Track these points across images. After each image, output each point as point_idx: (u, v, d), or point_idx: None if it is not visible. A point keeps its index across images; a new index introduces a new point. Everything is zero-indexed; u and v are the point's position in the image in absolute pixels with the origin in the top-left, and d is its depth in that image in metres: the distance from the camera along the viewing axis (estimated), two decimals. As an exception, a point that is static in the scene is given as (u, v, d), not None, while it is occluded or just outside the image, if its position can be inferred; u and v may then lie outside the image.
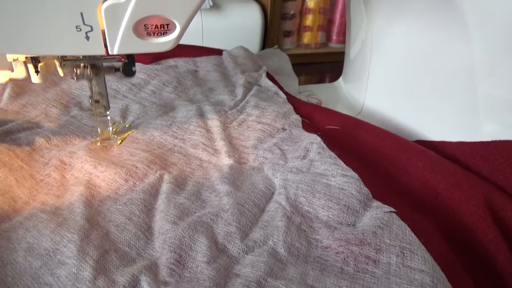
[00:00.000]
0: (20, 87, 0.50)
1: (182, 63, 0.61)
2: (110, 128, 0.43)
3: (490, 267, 0.33)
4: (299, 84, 0.68)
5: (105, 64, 0.39)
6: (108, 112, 0.42)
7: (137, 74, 0.57)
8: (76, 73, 0.38)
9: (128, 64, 0.39)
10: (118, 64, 0.39)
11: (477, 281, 0.31)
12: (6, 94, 0.48)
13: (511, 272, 0.32)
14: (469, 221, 0.35)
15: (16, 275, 0.27)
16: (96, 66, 0.39)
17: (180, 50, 0.62)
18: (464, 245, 0.34)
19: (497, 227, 0.34)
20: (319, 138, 0.41)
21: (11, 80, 0.37)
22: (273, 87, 0.55)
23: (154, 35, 0.32)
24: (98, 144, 0.42)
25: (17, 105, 0.47)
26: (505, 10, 0.38)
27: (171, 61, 0.61)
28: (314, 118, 0.49)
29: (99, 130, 0.43)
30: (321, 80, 0.77)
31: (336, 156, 0.38)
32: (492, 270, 0.33)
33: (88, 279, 0.27)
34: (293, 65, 0.69)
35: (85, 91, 0.52)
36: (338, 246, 0.30)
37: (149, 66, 0.58)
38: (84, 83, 0.53)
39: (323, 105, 0.62)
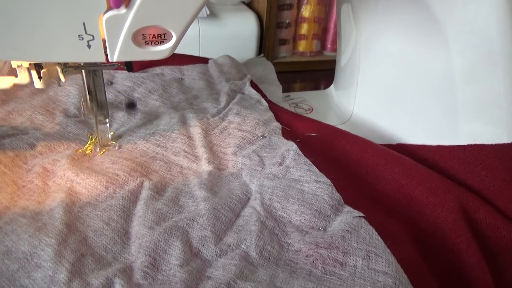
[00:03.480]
0: (6, 94, 0.51)
1: (168, 71, 0.62)
2: (109, 135, 0.45)
3: (461, 269, 0.34)
4: (294, 91, 0.70)
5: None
6: (107, 120, 0.44)
7: (123, 82, 0.58)
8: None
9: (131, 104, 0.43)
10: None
11: (448, 282, 0.33)
12: (-8, 101, 0.49)
13: (481, 273, 0.33)
14: (443, 224, 0.36)
15: (-7, 278, 0.28)
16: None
17: (167, 59, 0.63)
18: (437, 248, 0.35)
19: (470, 230, 0.35)
20: (295, 145, 0.42)
21: (15, 85, 0.38)
22: (256, 95, 0.56)
23: (151, 43, 0.34)
24: (98, 150, 0.44)
25: (2, 112, 0.48)
26: (481, 24, 0.40)
27: (158, 69, 0.62)
28: (294, 126, 0.50)
29: (98, 137, 0.44)
30: (315, 88, 0.79)
31: (310, 163, 0.40)
32: (463, 271, 0.34)
33: (63, 281, 0.28)
34: (288, 72, 0.71)
35: (71, 98, 0.53)
36: (308, 249, 0.31)
37: (136, 74, 0.59)
38: (71, 90, 0.55)
39: (314, 111, 0.64)
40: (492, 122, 0.43)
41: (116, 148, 0.45)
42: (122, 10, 0.31)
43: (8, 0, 0.29)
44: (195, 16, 0.34)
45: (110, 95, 0.56)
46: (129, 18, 0.32)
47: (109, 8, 0.31)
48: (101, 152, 0.44)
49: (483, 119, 0.44)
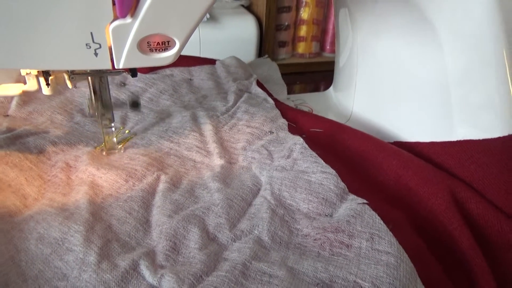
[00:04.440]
0: (27, 95, 0.54)
1: (177, 72, 0.65)
2: (115, 139, 0.47)
3: (456, 252, 0.36)
4: (294, 92, 0.72)
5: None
6: (112, 124, 0.46)
7: (135, 82, 0.61)
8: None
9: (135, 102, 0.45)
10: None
11: (445, 264, 0.35)
12: (14, 102, 0.52)
13: (474, 256, 0.35)
14: (437, 212, 0.39)
15: (29, 260, 0.31)
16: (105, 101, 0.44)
17: (176, 60, 0.66)
18: (433, 233, 0.38)
19: (462, 217, 0.38)
20: (301, 139, 0.45)
21: (24, 92, 0.40)
22: (262, 94, 0.59)
23: (156, 51, 0.35)
24: (104, 153, 0.46)
25: (24, 113, 0.51)
26: (474, 27, 0.42)
27: (167, 71, 0.65)
28: (299, 122, 0.53)
29: (104, 140, 0.46)
30: (315, 89, 0.80)
31: (316, 155, 0.42)
32: (457, 254, 0.36)
33: (93, 263, 0.30)
34: (288, 74, 0.72)
35: (87, 99, 0.56)
36: (316, 233, 0.34)
37: (147, 75, 0.62)
38: (86, 91, 0.57)
39: (314, 112, 0.65)
40: (485, 124, 0.44)
41: (122, 151, 0.46)
42: (128, 20, 0.33)
43: (17, 10, 0.31)
44: (197, 24, 0.35)
45: (123, 95, 0.58)
46: (134, 27, 0.33)
47: (116, 18, 0.33)
48: (120, 147, 0.47)
49: (477, 120, 0.45)
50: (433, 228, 0.38)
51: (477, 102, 0.45)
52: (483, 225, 0.38)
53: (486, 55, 0.42)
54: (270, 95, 0.60)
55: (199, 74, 0.65)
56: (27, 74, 0.40)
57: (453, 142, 0.45)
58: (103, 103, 0.44)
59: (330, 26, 0.89)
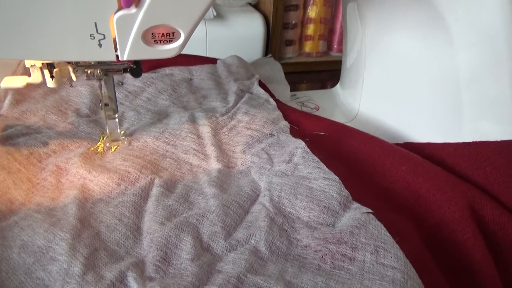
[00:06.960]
0: (20, 94, 0.52)
1: (177, 71, 0.63)
2: (118, 130, 0.46)
3: (468, 265, 0.34)
4: (300, 91, 0.70)
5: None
6: (116, 115, 0.45)
7: (133, 82, 0.59)
8: (87, 73, 0.41)
9: (136, 68, 0.43)
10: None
11: (455, 278, 0.33)
12: (7, 101, 0.50)
13: (488, 268, 0.33)
14: (450, 221, 0.36)
15: (10, 270, 0.29)
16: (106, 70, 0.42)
17: (176, 59, 0.64)
18: (444, 244, 0.36)
19: (476, 226, 0.36)
20: (303, 143, 0.43)
21: (28, 84, 0.40)
22: (264, 95, 0.57)
23: (160, 42, 0.35)
24: (108, 144, 0.45)
25: (17, 112, 0.49)
26: (486, 22, 0.41)
27: (167, 70, 0.63)
28: (302, 125, 0.51)
29: (107, 131, 0.45)
30: (322, 88, 0.79)
31: (319, 160, 0.40)
32: (470, 267, 0.34)
33: (77, 274, 0.29)
34: (295, 73, 0.71)
35: (83, 99, 0.54)
36: (317, 245, 0.32)
37: (145, 74, 0.60)
38: (82, 90, 0.56)
39: (320, 110, 0.64)
40: (498, 120, 0.43)
41: (126, 143, 0.46)
42: (132, 10, 0.32)
43: (21, 0, 0.30)
44: (203, 15, 0.34)
45: (120, 95, 0.57)
46: (139, 17, 0.33)
47: (120, 8, 0.32)
48: (113, 150, 0.45)
49: (488, 117, 0.44)
50: (443, 238, 0.36)
51: (489, 100, 0.43)
52: (498, 232, 0.36)
53: (499, 50, 0.40)
54: (272, 96, 0.58)
55: (199, 73, 0.63)
56: (31, 66, 0.39)
57: (468, 143, 0.43)
58: (107, 92, 0.43)
59: (338, 25, 0.88)
